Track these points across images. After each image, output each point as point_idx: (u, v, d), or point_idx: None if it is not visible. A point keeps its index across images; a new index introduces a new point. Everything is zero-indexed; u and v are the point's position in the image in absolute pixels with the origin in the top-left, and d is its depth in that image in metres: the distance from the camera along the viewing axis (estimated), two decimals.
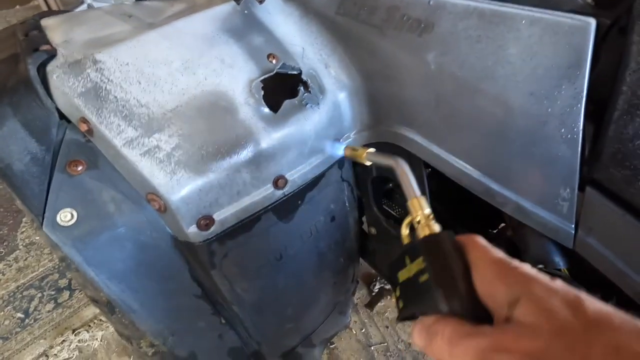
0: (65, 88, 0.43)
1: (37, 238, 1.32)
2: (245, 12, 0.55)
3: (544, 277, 0.24)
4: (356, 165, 0.68)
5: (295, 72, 0.54)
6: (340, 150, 0.56)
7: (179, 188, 0.44)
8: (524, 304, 0.23)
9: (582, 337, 0.20)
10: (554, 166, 0.42)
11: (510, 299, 0.24)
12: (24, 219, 1.39)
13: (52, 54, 0.47)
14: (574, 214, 0.43)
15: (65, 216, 0.43)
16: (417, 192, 0.36)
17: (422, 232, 0.32)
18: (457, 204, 0.71)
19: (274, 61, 0.53)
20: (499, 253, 0.27)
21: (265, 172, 0.51)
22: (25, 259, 1.26)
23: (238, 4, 0.54)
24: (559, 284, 0.23)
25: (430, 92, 0.47)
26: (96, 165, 0.46)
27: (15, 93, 0.45)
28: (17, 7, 3.09)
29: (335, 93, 0.55)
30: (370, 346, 1.07)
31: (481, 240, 0.29)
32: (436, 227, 0.32)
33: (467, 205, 0.76)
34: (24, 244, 1.30)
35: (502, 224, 0.84)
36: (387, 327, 1.11)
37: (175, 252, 0.50)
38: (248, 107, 0.49)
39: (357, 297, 1.16)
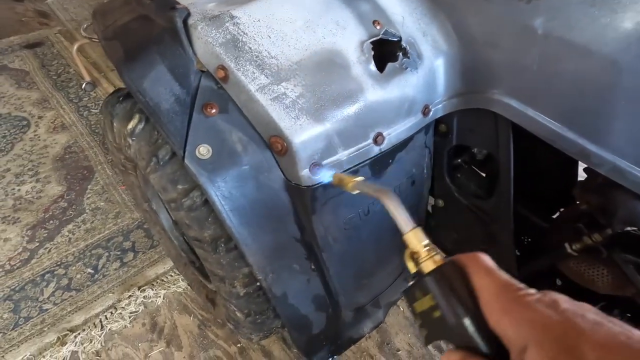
0: (209, 38, 0.49)
1: (102, 204, 1.42)
2: None
3: (547, 312, 0.23)
4: (435, 134, 0.71)
5: (395, 39, 0.58)
6: (327, 177, 0.51)
7: (301, 132, 0.49)
8: (532, 353, 0.23)
9: None
10: None
11: (519, 346, 0.24)
12: (89, 186, 1.49)
13: (188, 11, 0.53)
14: None
15: (204, 150, 0.49)
16: (411, 224, 0.34)
17: (426, 267, 0.31)
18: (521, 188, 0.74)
19: (378, 27, 0.57)
20: (501, 277, 0.27)
21: (368, 127, 0.55)
22: (92, 222, 1.35)
23: None
24: (561, 318, 0.23)
25: (533, 56, 0.51)
26: (226, 110, 0.51)
27: (162, 43, 0.51)
28: None
29: (432, 60, 0.59)
30: None
31: (482, 261, 0.28)
32: (437, 258, 0.31)
33: (530, 189, 0.78)
34: (90, 209, 1.40)
35: (561, 209, 0.86)
36: None
37: (285, 194, 0.55)
38: (359, 65, 0.53)
39: None
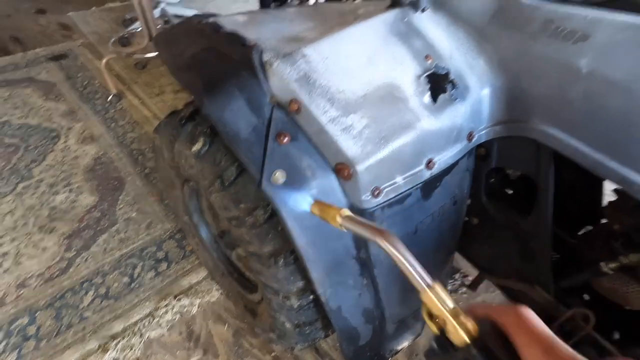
0: (284, 75, 0.54)
1: (134, 214, 1.47)
2: (405, 19, 0.65)
3: None
4: (476, 157, 0.76)
5: (444, 72, 0.63)
6: (428, 154, 0.51)
7: (366, 160, 0.54)
8: None
9: None
10: None
11: None
12: (120, 197, 1.54)
13: (262, 48, 0.58)
14: None
15: (279, 175, 0.53)
16: (428, 280, 0.29)
17: (456, 338, 0.27)
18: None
19: (429, 61, 0.62)
20: (549, 338, 0.24)
21: (422, 154, 0.60)
22: (125, 232, 1.40)
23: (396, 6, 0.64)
24: None
25: (577, 91, 0.55)
26: (297, 138, 0.56)
27: (239, 77, 0.56)
28: (94, 8, 3.37)
29: (478, 90, 0.64)
30: None
31: (526, 320, 0.25)
32: (470, 326, 0.27)
33: (558, 206, 0.82)
34: (123, 219, 1.45)
35: (586, 227, 0.90)
36: None
37: None
38: (416, 98, 0.58)
39: None
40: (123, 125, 1.93)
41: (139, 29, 2.41)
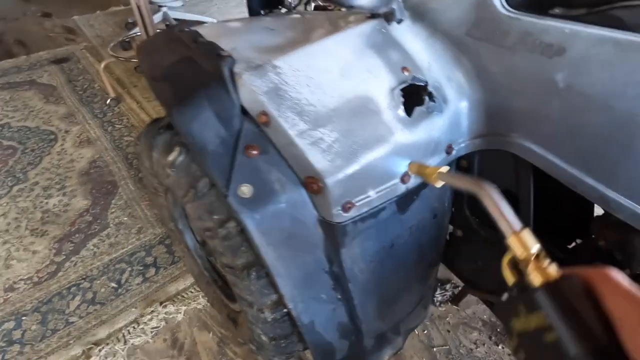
0: (253, 87, 0.54)
1: (125, 219, 1.47)
2: (383, 30, 0.64)
3: None
4: (456, 168, 0.75)
5: (422, 84, 0.62)
6: (402, 167, 0.54)
7: (335, 174, 0.53)
8: None
9: None
10: None
11: None
12: (112, 201, 1.54)
13: (234, 60, 0.58)
14: None
15: (245, 189, 0.53)
16: (517, 224, 0.30)
17: (536, 279, 0.26)
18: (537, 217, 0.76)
19: (406, 73, 0.61)
20: (637, 291, 0.23)
21: (396, 167, 0.59)
22: (116, 236, 1.40)
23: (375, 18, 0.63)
24: None
25: (554, 106, 0.54)
26: (266, 151, 0.55)
27: (209, 88, 0.56)
28: (98, 12, 3.41)
29: (456, 103, 0.63)
30: (433, 347, 1.11)
31: (617, 280, 0.24)
32: (552, 270, 0.26)
33: (546, 218, 0.81)
34: (114, 223, 1.45)
35: (576, 240, 0.88)
36: (449, 331, 1.15)
37: (317, 229, 0.58)
38: (390, 111, 0.57)
39: None
40: (120, 128, 1.94)
41: (139, 33, 2.43)
